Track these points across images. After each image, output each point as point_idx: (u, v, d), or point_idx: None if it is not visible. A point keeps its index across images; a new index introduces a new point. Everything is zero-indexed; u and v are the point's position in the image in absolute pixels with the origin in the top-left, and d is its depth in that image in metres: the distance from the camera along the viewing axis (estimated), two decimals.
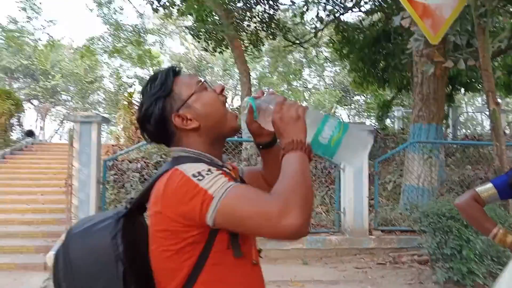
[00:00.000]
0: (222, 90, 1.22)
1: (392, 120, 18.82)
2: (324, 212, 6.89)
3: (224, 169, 1.12)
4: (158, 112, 1.14)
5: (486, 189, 1.92)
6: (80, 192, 6.02)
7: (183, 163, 1.04)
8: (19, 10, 17.21)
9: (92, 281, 1.05)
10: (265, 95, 1.22)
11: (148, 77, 1.22)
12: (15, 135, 13.85)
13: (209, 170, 1.01)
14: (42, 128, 26.47)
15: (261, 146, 1.30)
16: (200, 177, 0.98)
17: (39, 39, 18.24)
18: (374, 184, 6.66)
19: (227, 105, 1.25)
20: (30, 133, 14.58)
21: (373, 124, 13.18)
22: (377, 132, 11.35)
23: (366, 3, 11.21)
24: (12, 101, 12.47)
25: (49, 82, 25.65)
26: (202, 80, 1.20)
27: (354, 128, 1.14)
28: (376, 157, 7.61)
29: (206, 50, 12.54)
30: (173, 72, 1.19)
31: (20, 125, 14.54)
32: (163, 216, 0.99)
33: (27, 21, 16.91)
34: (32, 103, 27.44)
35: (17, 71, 25.28)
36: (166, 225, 1.00)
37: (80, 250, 1.08)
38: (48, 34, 20.13)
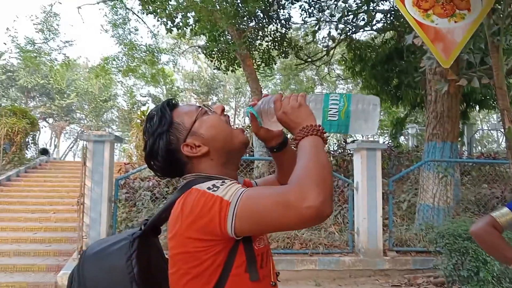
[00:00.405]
0: (223, 110, 1.23)
1: (406, 137, 18.67)
2: (337, 232, 6.77)
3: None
4: (164, 147, 1.15)
5: (503, 214, 1.77)
6: (92, 210, 6.02)
7: (198, 184, 1.05)
8: (37, 32, 17.56)
9: None
10: (261, 99, 1.21)
11: (147, 115, 1.22)
12: (29, 153, 14.04)
13: (223, 181, 1.03)
14: (56, 146, 26.83)
15: (275, 150, 1.30)
16: (214, 189, 0.99)
17: (55, 59, 18.61)
18: (388, 203, 6.55)
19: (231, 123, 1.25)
20: (44, 151, 14.75)
21: (387, 142, 13.03)
22: (391, 150, 11.24)
23: (378, 22, 11.23)
24: (27, 119, 12.67)
25: (64, 100, 26.12)
26: (201, 105, 1.21)
27: (357, 95, 1.14)
28: (390, 175, 7.51)
29: (218, 69, 12.65)
30: (169, 105, 1.20)
31: (35, 143, 14.75)
32: (183, 238, 0.99)
33: (44, 42, 17.27)
34: (47, 121, 27.88)
35: (33, 90, 25.80)
36: (186, 247, 0.99)
37: (95, 271, 1.09)
38: (64, 54, 20.51)
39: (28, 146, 13.86)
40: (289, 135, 1.39)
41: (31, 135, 13.84)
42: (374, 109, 1.10)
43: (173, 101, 1.22)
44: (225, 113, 1.24)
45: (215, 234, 0.96)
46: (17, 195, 9.75)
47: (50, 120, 28.24)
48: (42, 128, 23.32)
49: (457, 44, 3.19)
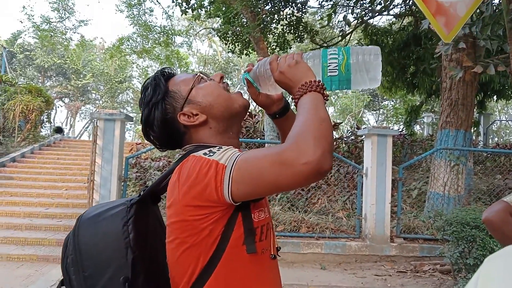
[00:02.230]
0: (221, 78, 1.19)
1: (422, 126, 18.45)
2: (344, 217, 6.75)
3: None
4: (160, 116, 1.12)
5: None
6: (102, 188, 6.09)
7: (196, 152, 1.03)
8: (52, 10, 17.66)
9: (101, 268, 1.03)
10: (256, 64, 1.17)
11: (142, 86, 1.19)
12: (44, 131, 14.24)
13: (220, 147, 1.01)
14: (72, 126, 27.17)
15: (277, 116, 1.25)
16: (210, 154, 0.97)
17: (71, 39, 18.76)
18: (398, 190, 6.50)
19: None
20: (58, 130, 14.95)
21: (400, 130, 12.88)
22: (405, 138, 11.12)
23: (395, 6, 11.01)
24: (42, 98, 12.80)
25: (80, 81, 26.37)
26: (198, 73, 1.18)
27: (356, 46, 1.08)
28: (402, 163, 7.43)
29: (232, 52, 12.56)
30: (164, 74, 1.17)
31: (50, 121, 14.94)
32: (181, 206, 0.97)
33: (59, 21, 17.38)
34: (63, 101, 28.20)
35: (50, 69, 26.08)
36: (183, 215, 0.97)
37: (90, 235, 1.07)
38: (79, 34, 20.71)
39: (43, 124, 14.05)
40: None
41: (46, 114, 14.00)
42: (376, 58, 1.04)
43: (169, 71, 1.19)
44: (224, 80, 1.20)
45: (212, 200, 0.93)
46: (30, 171, 9.92)
47: (66, 100, 28.58)
48: (58, 107, 23.63)
49: (460, 19, 3.07)
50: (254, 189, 0.92)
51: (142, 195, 1.13)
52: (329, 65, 1.05)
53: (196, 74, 1.17)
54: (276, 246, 1.11)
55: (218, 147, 1.01)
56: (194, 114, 1.11)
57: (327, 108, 0.99)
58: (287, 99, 1.28)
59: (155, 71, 1.21)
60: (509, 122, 21.88)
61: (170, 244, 1.02)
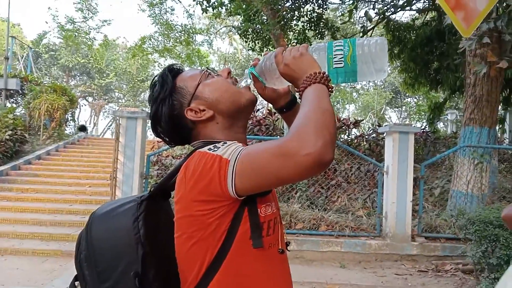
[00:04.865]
0: (229, 73, 1.20)
1: (445, 123, 18.11)
2: (365, 215, 6.69)
3: None
4: (168, 112, 1.13)
5: None
6: (124, 184, 6.20)
7: (202, 148, 1.04)
8: (76, 11, 18.01)
9: (113, 263, 1.05)
10: (261, 58, 1.16)
11: (151, 83, 1.21)
12: (69, 129, 14.54)
13: (224, 142, 1.01)
14: (95, 124, 27.67)
15: (284, 110, 1.25)
16: (215, 149, 0.98)
17: (94, 39, 19.12)
18: (419, 188, 6.40)
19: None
20: (82, 128, 15.27)
21: (424, 127, 12.63)
22: (427, 136, 10.93)
23: (417, 1, 10.82)
24: (67, 97, 13.05)
25: (103, 80, 26.79)
26: (205, 68, 1.19)
27: (362, 38, 1.07)
28: (424, 161, 7.32)
29: (253, 49, 12.55)
30: (171, 70, 1.18)
31: (74, 120, 15.24)
32: (187, 201, 0.99)
33: (83, 21, 17.71)
34: (87, 100, 28.73)
35: (74, 69, 26.59)
36: (190, 210, 0.98)
37: (102, 231, 1.09)
38: (102, 33, 21.11)
39: (68, 122, 14.34)
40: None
41: (70, 112, 14.27)
42: (382, 49, 1.03)
43: (176, 67, 1.20)
44: (231, 76, 1.20)
45: (217, 194, 0.94)
46: (55, 168, 10.17)
47: (90, 99, 29.11)
48: (82, 106, 24.11)
49: (479, 13, 2.98)
50: (256, 182, 0.92)
51: (152, 191, 1.15)
52: (334, 57, 1.05)
53: (203, 70, 1.18)
54: (286, 241, 1.12)
55: (222, 142, 1.02)
56: (201, 109, 1.12)
57: (331, 100, 0.98)
58: (294, 93, 1.28)
59: (163, 68, 1.22)
60: None
61: (178, 239, 1.04)
